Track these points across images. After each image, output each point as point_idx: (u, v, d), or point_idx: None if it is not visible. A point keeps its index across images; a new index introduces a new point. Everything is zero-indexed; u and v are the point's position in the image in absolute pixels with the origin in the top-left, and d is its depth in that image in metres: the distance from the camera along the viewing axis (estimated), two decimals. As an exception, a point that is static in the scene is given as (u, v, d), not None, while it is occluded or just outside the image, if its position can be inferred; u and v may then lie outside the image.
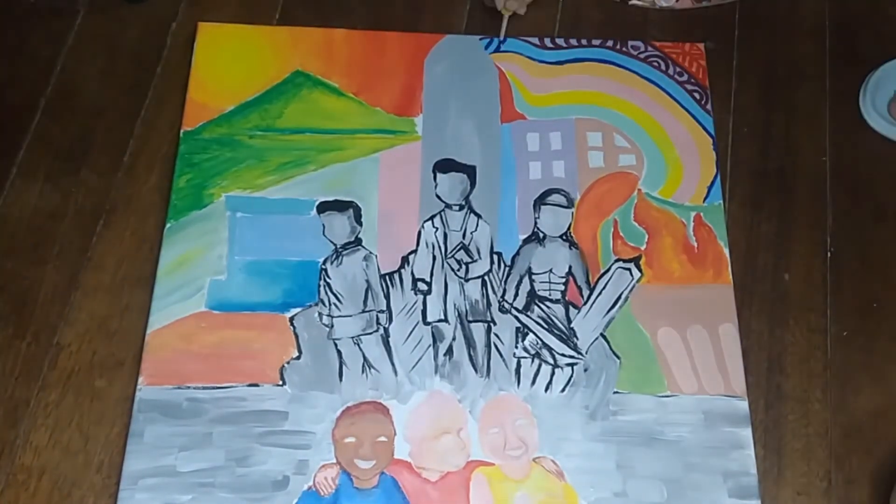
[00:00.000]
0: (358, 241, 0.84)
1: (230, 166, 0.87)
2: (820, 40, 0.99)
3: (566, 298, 0.83)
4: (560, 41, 0.96)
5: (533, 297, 0.83)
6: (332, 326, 0.81)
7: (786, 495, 0.77)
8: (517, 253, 0.85)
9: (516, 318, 0.82)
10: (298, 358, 0.79)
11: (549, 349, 0.81)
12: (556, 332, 0.82)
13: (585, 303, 0.83)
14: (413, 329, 0.81)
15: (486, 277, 0.84)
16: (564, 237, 0.86)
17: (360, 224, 0.85)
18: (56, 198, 0.86)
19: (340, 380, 0.78)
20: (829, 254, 0.88)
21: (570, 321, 0.82)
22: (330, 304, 0.81)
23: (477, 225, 0.86)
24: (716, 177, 0.89)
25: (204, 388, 0.77)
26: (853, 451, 0.79)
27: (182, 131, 0.89)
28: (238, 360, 0.78)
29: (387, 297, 0.82)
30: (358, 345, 0.80)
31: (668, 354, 0.81)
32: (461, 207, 0.87)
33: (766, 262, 0.87)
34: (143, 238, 0.85)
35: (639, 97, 0.93)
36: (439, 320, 0.82)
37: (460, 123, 0.91)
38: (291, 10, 0.98)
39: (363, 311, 0.82)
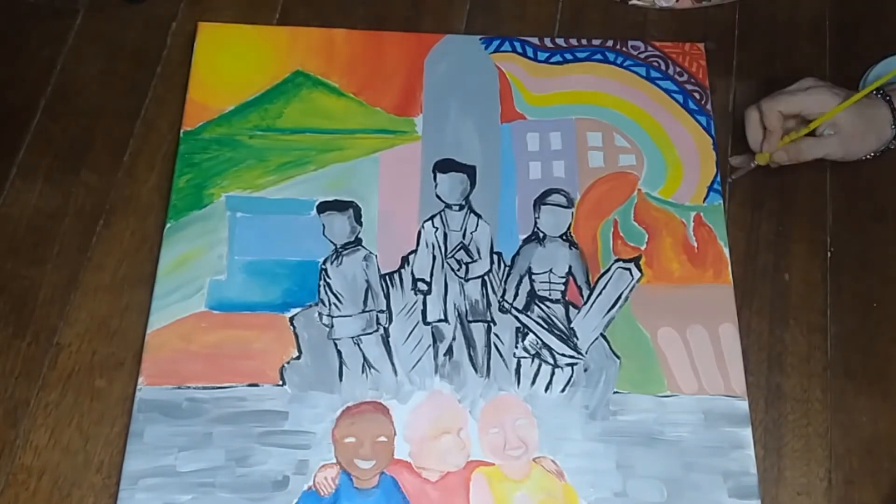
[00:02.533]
0: (358, 241, 0.84)
1: (230, 166, 0.87)
2: (820, 40, 0.99)
3: (566, 298, 0.83)
4: (560, 41, 0.96)
5: (533, 297, 0.83)
6: (332, 326, 0.81)
7: (786, 495, 0.77)
8: (517, 253, 0.85)
9: (516, 318, 0.82)
10: (298, 358, 0.79)
11: (549, 349, 0.81)
12: (556, 332, 0.82)
13: (585, 303, 0.83)
14: (413, 329, 0.81)
15: (486, 277, 0.84)
16: (564, 237, 0.86)
17: (360, 224, 0.85)
18: (56, 198, 0.86)
19: (340, 380, 0.78)
20: (829, 254, 0.87)
21: (570, 321, 0.82)
22: (330, 304, 0.81)
23: (477, 225, 0.86)
24: (716, 177, 0.89)
25: (204, 388, 0.77)
26: (853, 451, 0.79)
27: (182, 131, 0.89)
28: (238, 360, 0.78)
29: (387, 297, 0.82)
30: (358, 345, 0.80)
31: (668, 354, 0.81)
32: (461, 207, 0.87)
33: (766, 262, 0.87)
34: (143, 238, 0.85)
35: (639, 97, 0.93)
36: (439, 320, 0.82)
37: (460, 123, 0.91)
38: (291, 10, 0.98)
39: (363, 311, 0.82)
